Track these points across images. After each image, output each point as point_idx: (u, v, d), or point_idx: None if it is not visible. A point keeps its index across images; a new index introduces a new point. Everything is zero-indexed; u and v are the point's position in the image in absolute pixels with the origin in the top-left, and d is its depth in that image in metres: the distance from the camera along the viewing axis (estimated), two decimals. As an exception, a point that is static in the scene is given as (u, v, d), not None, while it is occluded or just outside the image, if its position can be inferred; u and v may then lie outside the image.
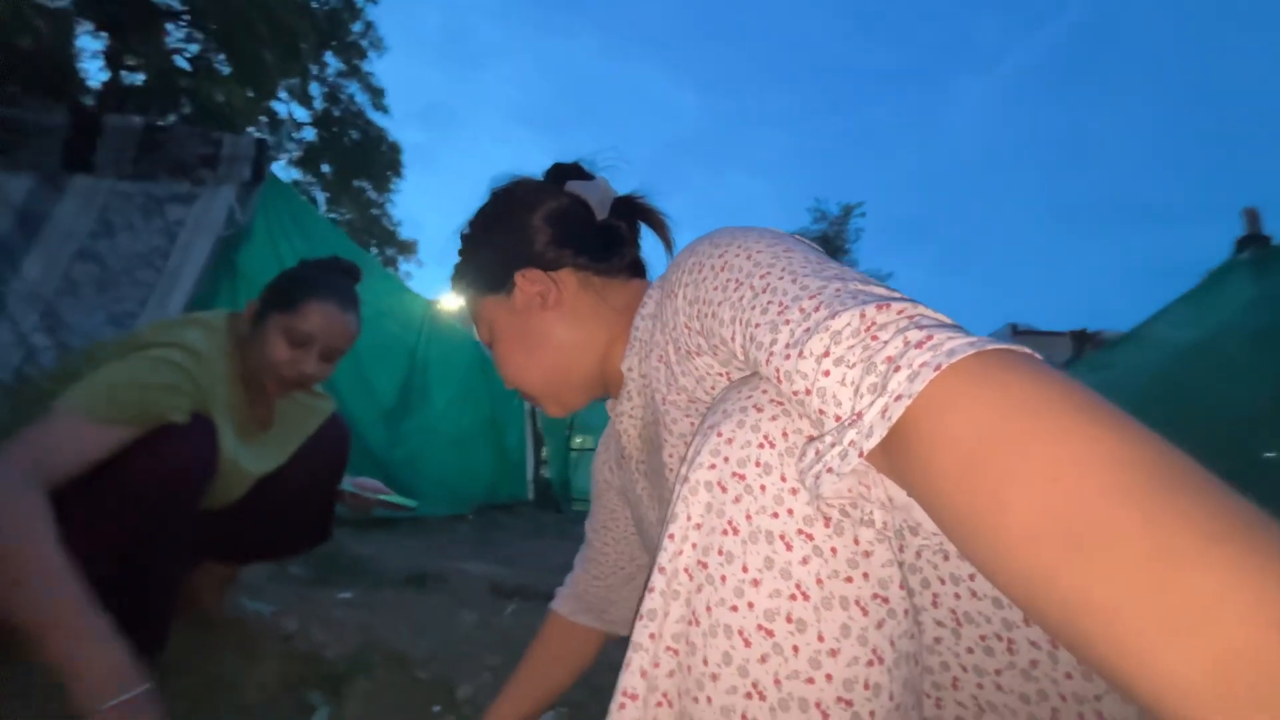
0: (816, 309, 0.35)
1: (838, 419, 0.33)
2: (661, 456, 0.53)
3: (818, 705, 0.34)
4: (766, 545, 0.36)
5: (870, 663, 0.35)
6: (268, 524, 1.18)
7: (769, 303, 0.38)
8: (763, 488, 0.37)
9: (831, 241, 21.96)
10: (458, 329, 4.68)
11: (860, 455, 0.31)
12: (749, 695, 0.35)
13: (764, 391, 0.40)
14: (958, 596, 0.39)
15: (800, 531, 0.36)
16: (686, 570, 0.38)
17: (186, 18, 9.54)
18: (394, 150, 14.73)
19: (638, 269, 0.66)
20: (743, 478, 0.38)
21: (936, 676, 0.41)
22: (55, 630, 0.66)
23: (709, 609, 0.37)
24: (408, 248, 16.88)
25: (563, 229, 0.62)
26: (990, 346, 0.29)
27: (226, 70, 9.86)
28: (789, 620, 0.35)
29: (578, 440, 7.75)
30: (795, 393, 0.35)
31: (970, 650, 0.40)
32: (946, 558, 0.39)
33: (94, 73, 9.20)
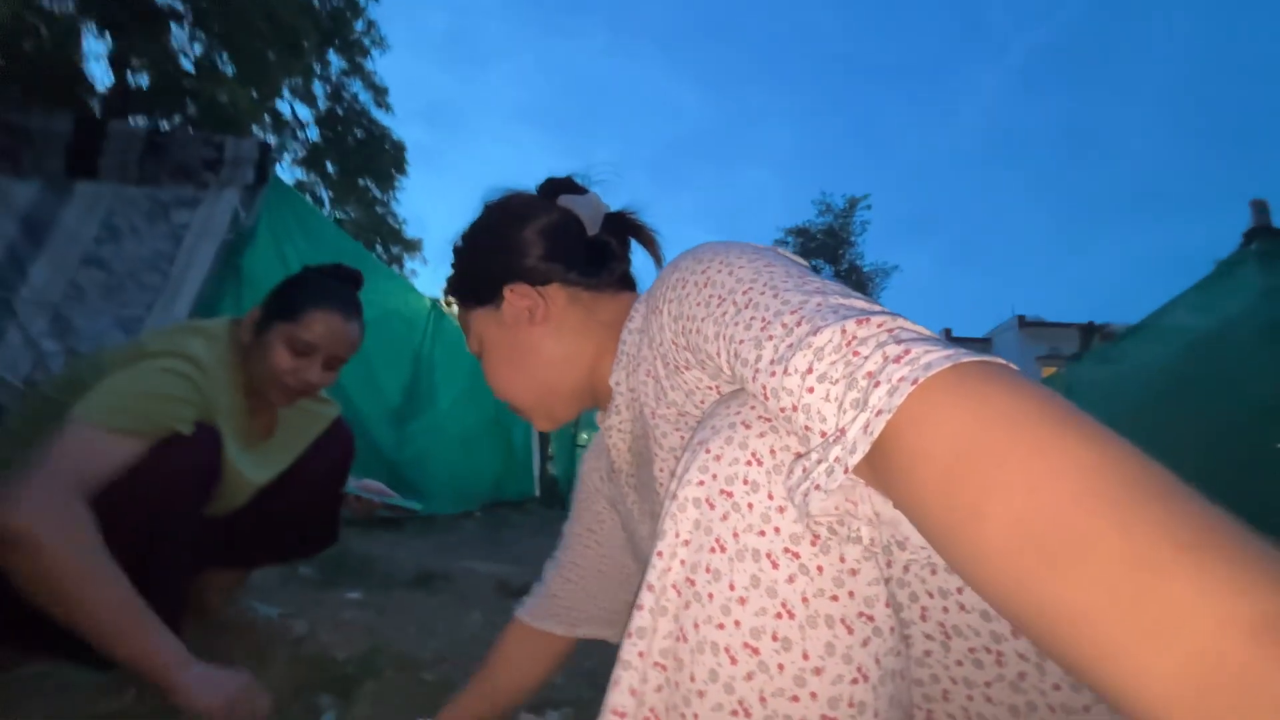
0: (799, 324, 0.35)
1: (823, 434, 0.33)
2: (652, 470, 0.54)
3: None
4: (753, 563, 0.37)
5: (855, 680, 0.35)
6: (274, 529, 1.19)
7: (752, 318, 0.38)
8: (750, 505, 0.38)
9: (837, 235, 21.83)
10: (458, 327, 4.69)
11: (846, 471, 0.31)
12: (735, 712, 0.36)
13: (752, 408, 0.40)
14: (946, 610, 0.40)
15: (786, 550, 0.37)
16: (675, 587, 0.39)
17: (189, 18, 9.57)
18: (398, 149, 14.73)
19: (627, 283, 0.67)
20: (730, 495, 0.38)
21: (927, 689, 0.41)
22: (120, 629, 0.74)
23: (696, 626, 0.37)
24: (412, 246, 16.89)
25: (553, 244, 0.63)
26: (966, 359, 0.29)
27: (230, 70, 9.89)
28: (774, 638, 0.36)
29: (584, 437, 7.77)
30: (782, 409, 0.35)
31: (959, 663, 0.40)
32: (934, 571, 0.40)
33: (99, 75, 9.26)
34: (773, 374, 0.35)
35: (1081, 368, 3.42)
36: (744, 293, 0.40)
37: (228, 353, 1.04)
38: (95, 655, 0.88)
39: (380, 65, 13.63)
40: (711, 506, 0.39)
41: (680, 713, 0.37)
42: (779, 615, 0.36)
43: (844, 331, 0.33)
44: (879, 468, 0.31)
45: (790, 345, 0.35)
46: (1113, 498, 0.23)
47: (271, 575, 1.78)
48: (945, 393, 0.28)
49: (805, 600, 0.36)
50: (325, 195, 13.93)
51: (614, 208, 0.67)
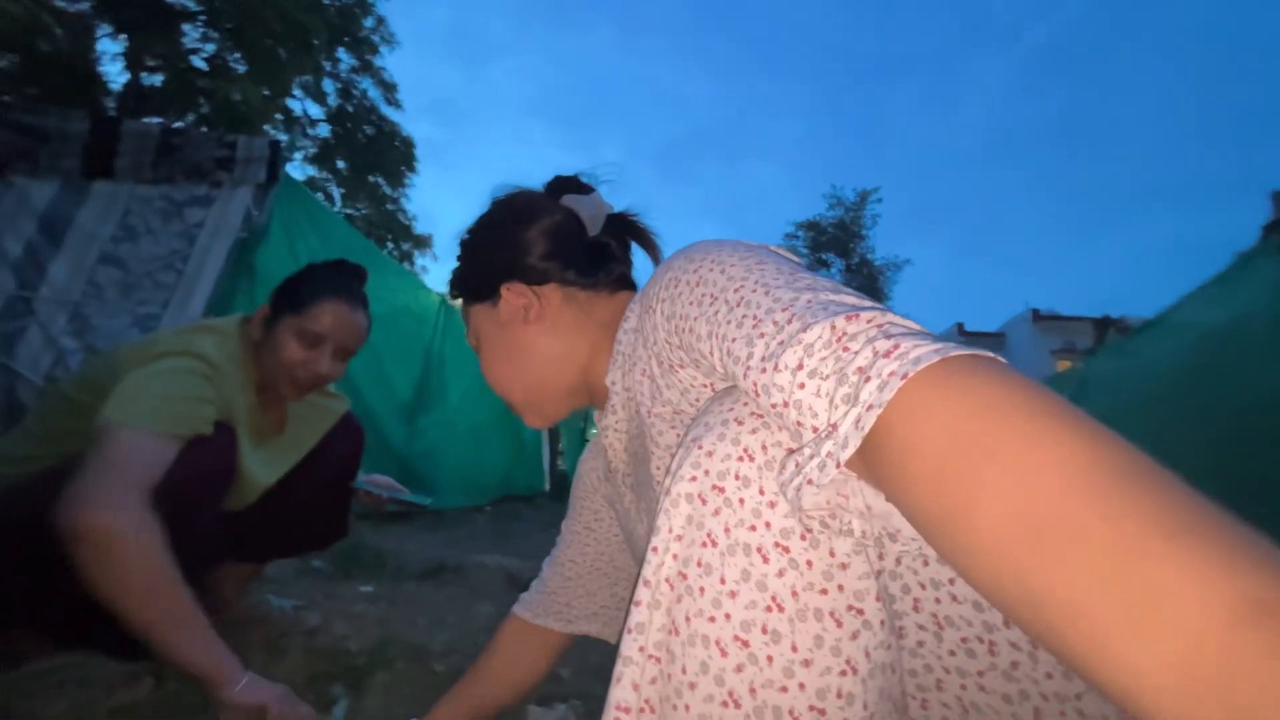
0: (789, 321, 0.36)
1: (814, 430, 0.33)
2: (649, 469, 0.54)
3: (791, 713, 0.35)
4: (744, 558, 0.37)
5: (843, 672, 0.36)
6: (285, 524, 1.21)
7: (743, 316, 0.39)
8: (741, 500, 0.38)
9: (848, 228, 21.66)
10: (472, 323, 4.72)
11: (838, 466, 0.31)
12: (725, 703, 0.36)
13: (744, 404, 0.41)
14: (938, 601, 0.40)
15: (777, 544, 0.37)
16: (668, 581, 0.40)
17: (202, 17, 9.65)
18: (407, 145, 14.79)
19: (626, 283, 0.67)
20: (722, 490, 0.39)
21: (920, 679, 0.42)
22: (181, 630, 0.77)
23: (688, 619, 0.38)
24: (423, 242, 16.98)
25: (552, 244, 0.63)
26: (955, 352, 0.30)
27: (242, 69, 9.97)
28: (764, 631, 0.36)
29: (594, 431, 7.81)
30: (773, 405, 0.36)
31: (952, 653, 0.40)
32: (926, 563, 0.40)
33: (114, 75, 9.37)
34: (763, 371, 0.36)
35: (1097, 361, 3.38)
36: (735, 290, 0.41)
37: (239, 350, 1.06)
38: (113, 647, 0.90)
39: (388, 62, 13.67)
40: (704, 502, 0.39)
41: (673, 704, 0.37)
42: (769, 609, 0.37)
43: (834, 328, 0.33)
44: (871, 462, 0.31)
45: (781, 342, 0.35)
46: (1100, 488, 0.23)
47: (285, 569, 1.81)
48: (935, 387, 0.29)
49: (795, 594, 0.37)
50: (336, 192, 14.04)
51: (620, 207, 0.68)
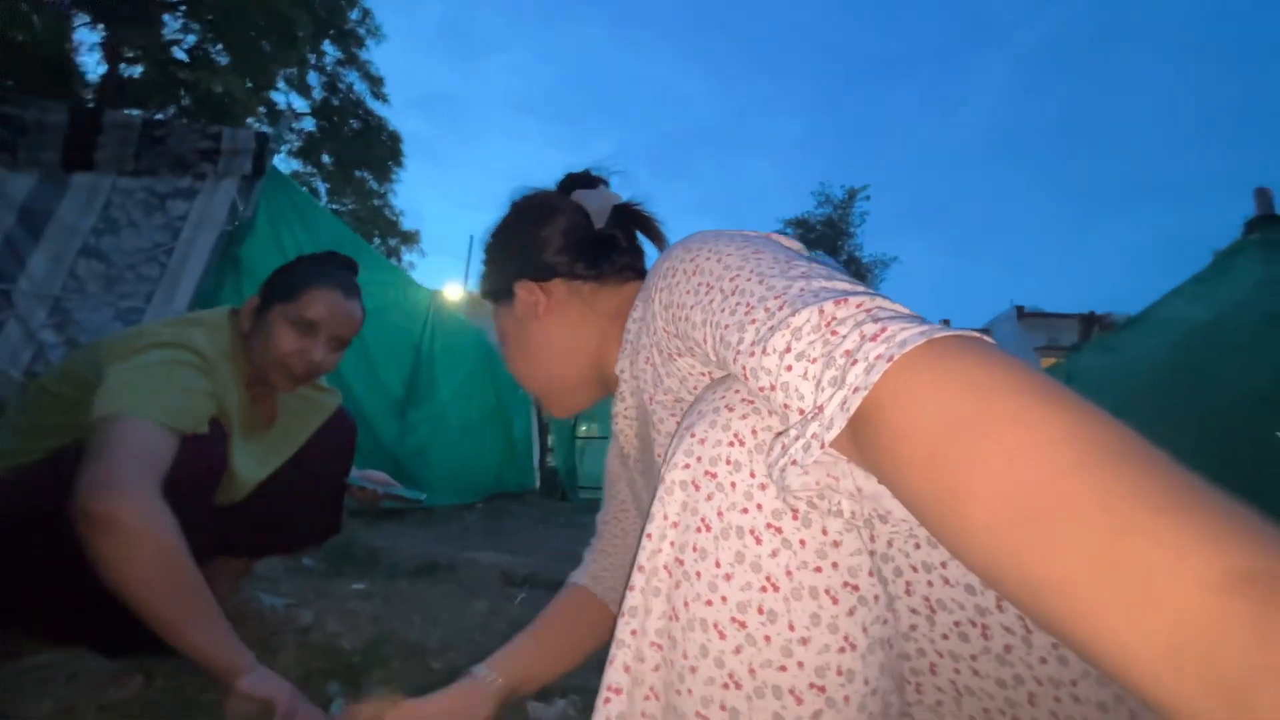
0: (780, 308, 0.36)
1: (801, 412, 0.34)
2: (653, 455, 0.55)
3: (791, 691, 0.35)
4: (737, 540, 0.38)
5: (841, 649, 0.36)
6: (276, 520, 1.19)
7: (737, 304, 0.39)
8: (733, 484, 0.39)
9: (836, 225, 21.78)
10: (461, 319, 4.69)
11: (822, 447, 0.32)
12: (725, 685, 0.36)
13: (736, 391, 0.41)
14: (930, 584, 0.40)
15: (769, 525, 0.38)
16: (666, 568, 0.40)
17: (183, 8, 9.47)
18: (394, 140, 14.65)
19: (636, 271, 0.68)
20: (714, 475, 0.39)
21: (914, 662, 0.42)
22: (196, 622, 0.76)
23: (686, 604, 0.38)
24: (410, 238, 16.83)
25: (557, 241, 0.66)
26: (941, 334, 0.30)
27: (224, 61, 9.80)
28: (760, 611, 0.37)
29: (583, 428, 7.78)
30: (761, 389, 0.36)
31: (945, 636, 0.41)
32: (918, 545, 0.41)
33: (92, 66, 9.16)
34: (752, 354, 0.36)
35: (1081, 357, 3.42)
36: (730, 280, 0.41)
37: (228, 343, 1.04)
38: (104, 643, 0.88)
39: (376, 55, 13.53)
40: (697, 488, 0.40)
41: (675, 689, 0.38)
42: (764, 589, 0.37)
43: (822, 312, 0.34)
44: (863, 445, 0.31)
45: (771, 327, 0.35)
46: (1091, 465, 0.23)
47: (277, 566, 1.79)
48: (923, 369, 0.29)
49: (789, 573, 0.37)
50: (321, 187, 13.86)
51: (627, 198, 0.69)
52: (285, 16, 9.79)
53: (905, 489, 0.29)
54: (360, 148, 14.00)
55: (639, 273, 0.68)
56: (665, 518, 0.41)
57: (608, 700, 0.39)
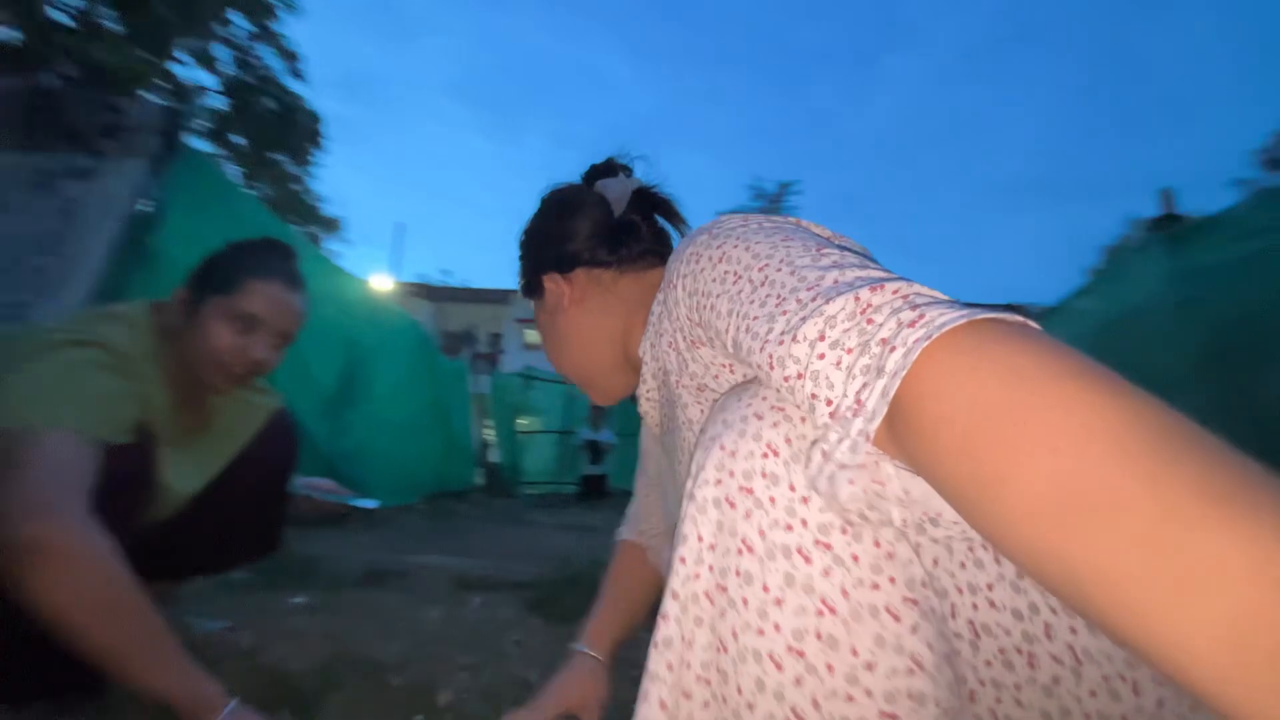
0: (814, 299, 0.35)
1: (829, 403, 0.32)
2: (676, 439, 0.55)
3: None
4: (785, 561, 0.35)
5: (910, 671, 0.34)
6: (211, 536, 1.08)
7: (767, 295, 0.38)
8: (772, 500, 0.36)
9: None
10: (396, 311, 4.48)
11: (868, 440, 0.30)
12: None
13: (763, 398, 0.39)
14: (975, 607, 0.39)
15: (818, 542, 0.35)
16: (706, 595, 0.38)
17: (65, -34, 8.47)
18: (313, 121, 13.79)
19: (660, 256, 0.68)
20: (751, 491, 0.37)
21: None
22: (154, 655, 0.69)
23: (734, 634, 0.36)
24: (332, 225, 15.95)
25: (578, 231, 0.66)
26: (982, 316, 0.29)
27: (117, 29, 8.86)
28: (819, 637, 0.34)
29: (524, 422, 7.62)
30: (786, 378, 0.35)
31: (989, 663, 0.39)
32: (964, 565, 0.39)
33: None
34: (781, 342, 0.35)
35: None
36: (760, 269, 0.40)
37: (151, 340, 0.92)
38: (43, 691, 0.78)
39: (292, 30, 12.64)
40: (732, 505, 0.37)
41: None
42: (820, 613, 0.34)
43: (857, 299, 0.32)
44: (900, 434, 0.30)
45: (803, 317, 0.34)
46: (1139, 452, 0.22)
47: (203, 583, 1.63)
48: (963, 354, 0.28)
49: (845, 593, 0.35)
50: (234, 170, 12.86)
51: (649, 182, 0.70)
52: (187, -19, 8.97)
53: (943, 475, 0.28)
54: (276, 128, 13.07)
55: (662, 257, 0.68)
56: (700, 539, 0.38)
57: None
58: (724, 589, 0.37)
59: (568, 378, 0.71)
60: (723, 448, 0.38)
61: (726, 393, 0.43)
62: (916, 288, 0.33)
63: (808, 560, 0.35)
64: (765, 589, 0.35)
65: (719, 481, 0.38)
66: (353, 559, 2.22)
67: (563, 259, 0.66)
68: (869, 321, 0.31)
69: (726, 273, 0.42)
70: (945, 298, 0.32)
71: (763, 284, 0.39)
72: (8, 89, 2.11)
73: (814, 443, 0.35)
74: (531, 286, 0.70)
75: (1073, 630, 0.38)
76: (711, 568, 0.38)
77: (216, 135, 12.32)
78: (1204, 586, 0.20)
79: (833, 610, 0.34)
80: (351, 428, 3.38)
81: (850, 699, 0.33)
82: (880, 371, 0.30)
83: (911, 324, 0.30)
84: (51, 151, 2.13)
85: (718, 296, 0.42)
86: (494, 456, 6.92)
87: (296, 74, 13.20)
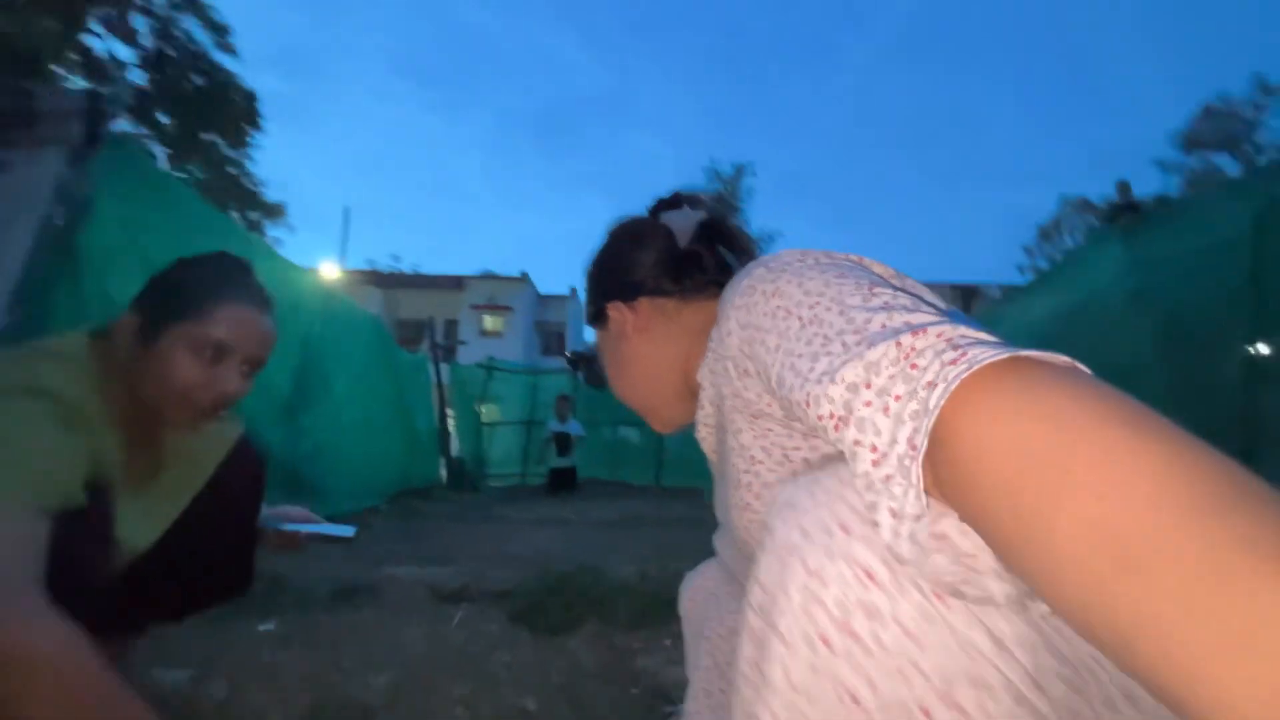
0: (858, 343, 0.35)
1: (873, 449, 0.31)
2: (727, 465, 0.55)
3: None
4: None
5: None
6: (174, 582, 0.98)
7: (814, 334, 0.38)
8: (880, 642, 0.31)
9: (726, 201, 22.43)
10: (350, 304, 4.27)
11: (914, 459, 0.29)
12: None
13: (848, 504, 0.34)
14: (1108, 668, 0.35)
15: (944, 698, 0.30)
16: None
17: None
18: (248, 99, 12.98)
19: (723, 286, 0.65)
20: (852, 632, 0.32)
21: None
22: None
23: None
24: (274, 211, 15.15)
25: (643, 261, 0.68)
26: (1027, 355, 0.29)
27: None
28: None
29: (485, 410, 7.46)
30: (820, 417, 0.35)
31: None
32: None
33: None
34: (820, 382, 0.35)
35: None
36: (810, 307, 0.40)
37: (94, 378, 0.82)
38: None
39: (220, 1, 11.78)
40: (829, 645, 0.32)
41: None
42: None
43: (899, 344, 0.32)
44: (944, 480, 0.29)
45: (845, 360, 0.34)
46: (1188, 503, 0.22)
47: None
48: (1008, 395, 0.27)
49: None
50: (161, 152, 11.99)
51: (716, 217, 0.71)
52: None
53: (986, 520, 0.27)
54: (206, 107, 12.22)
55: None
56: (788, 680, 0.33)
57: None
58: None
59: (630, 405, 0.72)
60: (806, 568, 0.33)
61: (794, 482, 0.38)
62: (961, 330, 0.32)
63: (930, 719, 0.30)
64: None
65: (807, 613, 0.33)
66: (320, 574, 2.11)
67: (627, 288, 0.68)
68: (913, 366, 0.31)
69: (778, 308, 0.42)
70: (990, 338, 0.31)
71: (811, 322, 0.39)
72: (-104, 71, 1.87)
73: (872, 504, 0.31)
74: (597, 316, 0.71)
75: None
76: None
77: (140, 113, 11.44)
78: (1253, 648, 0.19)
79: None
80: (309, 431, 3.22)
81: None
82: (926, 411, 0.29)
83: (953, 362, 0.29)
84: (-47, 142, 1.90)
85: (767, 331, 0.42)
86: (457, 451, 6.77)
87: (226, 48, 12.34)
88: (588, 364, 0.80)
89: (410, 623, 1.70)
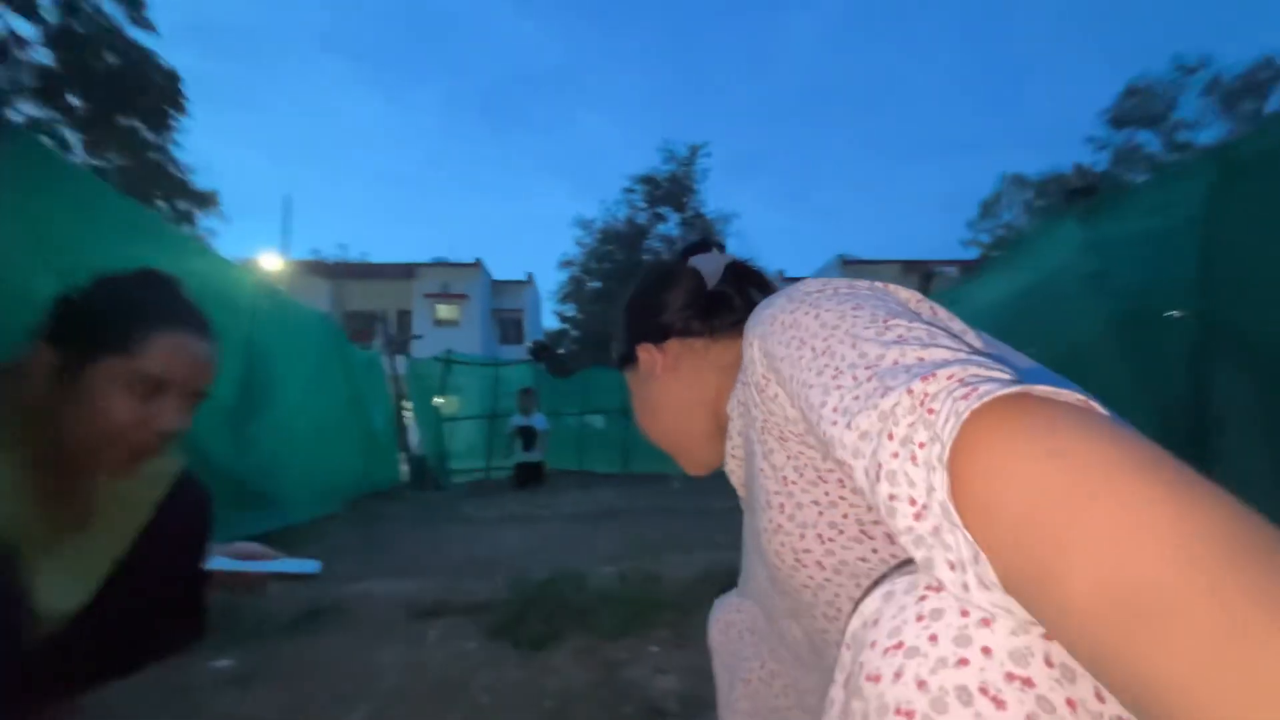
0: (869, 379, 0.35)
1: (912, 501, 0.30)
2: (754, 491, 0.54)
3: None
4: (962, 709, 0.28)
5: None
6: (115, 640, 0.88)
7: (825, 365, 0.39)
8: (933, 638, 0.30)
9: (681, 181, 22.34)
10: (295, 304, 4.03)
11: (944, 465, 0.28)
12: None
13: (928, 601, 0.31)
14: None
15: (1011, 676, 0.28)
16: None
17: None
18: (171, 80, 12.11)
19: None
20: (900, 647, 0.30)
21: None
22: None
23: None
24: (206, 200, 14.28)
25: (672, 303, 0.69)
26: (1039, 391, 0.29)
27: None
28: None
29: (438, 400, 7.23)
30: (840, 460, 0.35)
31: None
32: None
33: None
34: (834, 423, 0.35)
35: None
36: (824, 339, 0.41)
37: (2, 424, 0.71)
38: None
39: (132, -29, 10.86)
40: (877, 681, 0.30)
41: None
42: None
43: (910, 392, 0.32)
44: (962, 508, 0.28)
45: (856, 398, 0.35)
46: (1205, 558, 0.21)
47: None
48: (1018, 435, 0.27)
49: None
50: (74, 138, 11.06)
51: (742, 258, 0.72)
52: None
53: (999, 561, 0.26)
54: (122, 88, 11.32)
55: None
56: None
57: None
58: None
59: (659, 443, 0.72)
60: (873, 645, 0.31)
61: (855, 615, 0.35)
62: (972, 369, 0.31)
63: (1000, 705, 0.27)
64: None
65: (877, 678, 0.30)
66: (278, 596, 1.98)
67: (656, 330, 0.69)
68: (929, 412, 0.31)
69: (793, 338, 0.43)
70: (1004, 374, 0.31)
71: (823, 353, 0.40)
72: None
73: (927, 560, 0.30)
74: (627, 357, 0.73)
75: None
76: None
77: (46, 94, 10.50)
78: (1266, 708, 0.19)
79: None
80: (258, 439, 3.03)
81: None
82: (939, 439, 0.29)
83: (964, 397, 0.29)
84: None
85: (782, 360, 0.44)
86: (419, 449, 6.57)
87: (142, 23, 11.42)
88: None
89: (382, 646, 1.61)
